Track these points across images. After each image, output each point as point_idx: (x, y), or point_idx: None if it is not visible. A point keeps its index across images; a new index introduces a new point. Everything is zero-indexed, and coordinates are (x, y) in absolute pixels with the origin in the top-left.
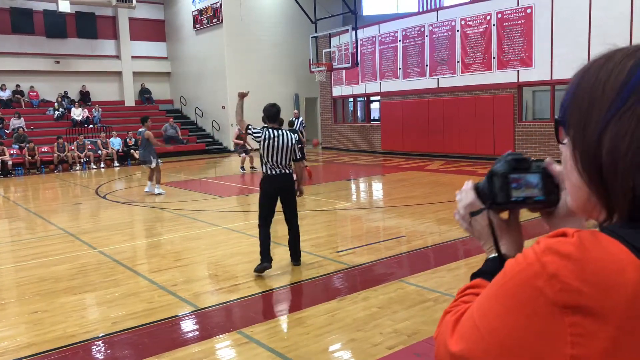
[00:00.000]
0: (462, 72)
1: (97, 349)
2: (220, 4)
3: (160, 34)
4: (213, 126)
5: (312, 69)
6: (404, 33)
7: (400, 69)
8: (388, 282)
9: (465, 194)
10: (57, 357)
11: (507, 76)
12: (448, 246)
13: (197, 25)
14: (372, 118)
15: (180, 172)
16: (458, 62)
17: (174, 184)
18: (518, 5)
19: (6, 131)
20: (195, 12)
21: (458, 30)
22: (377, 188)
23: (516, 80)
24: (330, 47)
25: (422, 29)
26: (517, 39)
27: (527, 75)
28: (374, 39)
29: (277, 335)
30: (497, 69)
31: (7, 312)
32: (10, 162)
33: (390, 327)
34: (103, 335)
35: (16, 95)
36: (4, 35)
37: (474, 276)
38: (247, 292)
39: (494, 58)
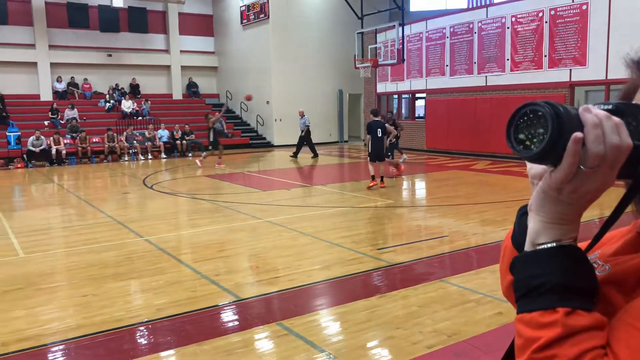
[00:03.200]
0: (511, 71)
1: (141, 333)
2: (268, 0)
3: (208, 29)
4: (257, 121)
5: (357, 65)
6: (451, 29)
7: (447, 66)
8: (429, 281)
9: (622, 134)
10: (104, 339)
11: (558, 75)
12: (492, 247)
13: (244, 21)
14: (416, 115)
15: (225, 165)
16: (507, 59)
17: (219, 177)
18: (573, 1)
19: (61, 121)
20: (243, 8)
21: (508, 27)
22: (420, 186)
23: (568, 80)
24: (376, 43)
25: (471, 26)
26: (571, 36)
27: (580, 74)
28: (420, 35)
29: (316, 329)
30: (549, 68)
31: (58, 294)
32: (64, 151)
33: (430, 327)
34: (147, 321)
35: (71, 87)
36: (61, 29)
37: (544, 297)
38: (287, 284)
39: (545, 56)
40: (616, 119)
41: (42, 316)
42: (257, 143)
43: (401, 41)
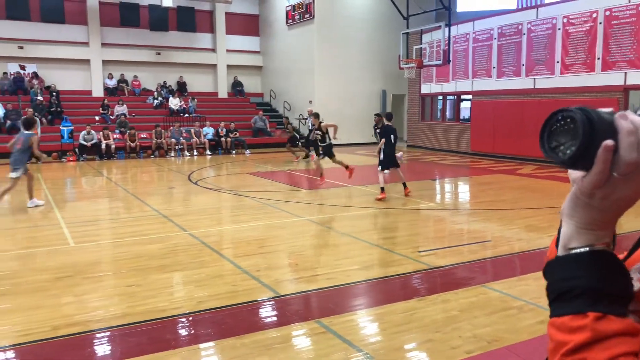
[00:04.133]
0: (561, 73)
1: (183, 325)
2: (313, 0)
3: (254, 29)
4: (299, 120)
5: (402, 66)
6: (500, 30)
7: (494, 67)
8: (470, 286)
9: None
10: (147, 329)
11: (612, 78)
12: (536, 254)
13: (290, 21)
14: (461, 117)
15: (267, 164)
16: (557, 62)
17: (261, 174)
18: (629, 2)
19: (111, 117)
20: (288, 8)
21: (559, 29)
22: (464, 190)
23: (622, 83)
24: (421, 43)
25: (520, 27)
26: (626, 38)
27: (636, 77)
28: (467, 36)
29: (354, 328)
30: (601, 71)
31: (104, 283)
32: (113, 146)
33: (469, 332)
34: (189, 313)
35: (121, 84)
36: (114, 27)
37: (592, 304)
38: (326, 283)
39: (598, 59)
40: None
41: (89, 303)
42: (300, 143)
43: (447, 42)
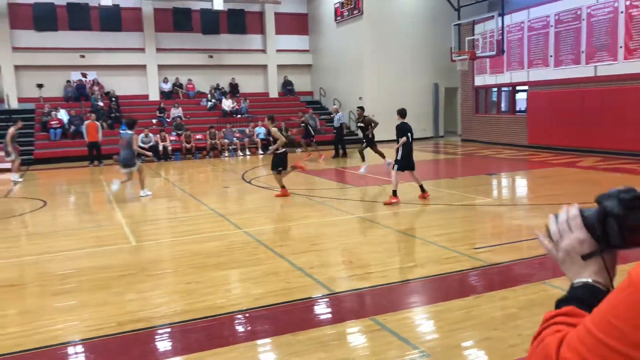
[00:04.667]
0: (624, 59)
1: (240, 321)
2: None
3: (303, 28)
4: (350, 117)
5: (454, 58)
6: (556, 17)
7: (551, 56)
8: (529, 283)
9: (573, 228)
10: (207, 324)
11: None
12: None
13: (338, 18)
14: (517, 109)
15: (318, 161)
16: (620, 47)
17: (313, 172)
18: None
19: (167, 120)
20: (337, 5)
21: (622, 12)
22: (521, 184)
23: None
24: (473, 34)
25: (579, 12)
26: None
27: None
28: (522, 25)
29: (410, 326)
30: None
31: (165, 281)
32: (170, 148)
33: (530, 330)
34: (246, 309)
35: (176, 88)
36: (167, 33)
37: (561, 303)
38: (380, 280)
39: None
40: (558, 224)
41: (151, 300)
42: (351, 139)
43: (501, 31)
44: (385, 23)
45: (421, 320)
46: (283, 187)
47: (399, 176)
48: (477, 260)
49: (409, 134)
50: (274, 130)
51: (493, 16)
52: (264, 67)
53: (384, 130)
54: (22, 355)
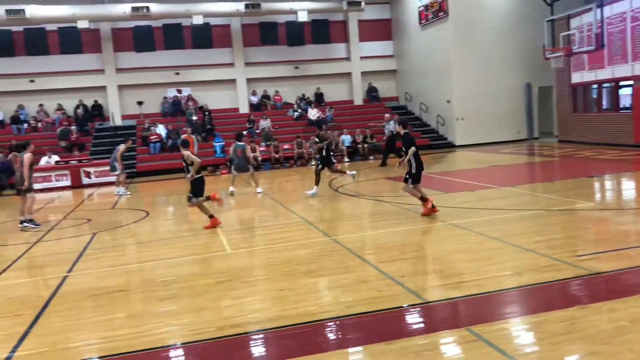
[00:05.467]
0: None
1: (332, 328)
2: None
3: (387, 33)
4: (437, 121)
5: (547, 56)
6: None
7: None
8: None
9: None
10: (299, 331)
11: None
12: None
13: (423, 21)
14: (621, 106)
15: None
16: None
17: (400, 179)
18: None
19: (256, 131)
20: (421, 8)
21: None
22: (628, 187)
23: None
24: (569, 29)
25: None
26: None
27: None
28: (624, 16)
29: (508, 337)
30: None
31: (258, 287)
32: (259, 158)
33: None
34: (337, 317)
35: (264, 99)
36: (255, 47)
37: None
38: (473, 290)
39: None
40: None
41: (246, 306)
42: (438, 144)
43: (600, 24)
44: (472, 23)
45: (520, 331)
46: (211, 216)
47: (416, 188)
48: (580, 269)
49: (413, 147)
50: (186, 153)
51: (591, 8)
52: (348, 75)
53: (470, 134)
54: (133, 356)
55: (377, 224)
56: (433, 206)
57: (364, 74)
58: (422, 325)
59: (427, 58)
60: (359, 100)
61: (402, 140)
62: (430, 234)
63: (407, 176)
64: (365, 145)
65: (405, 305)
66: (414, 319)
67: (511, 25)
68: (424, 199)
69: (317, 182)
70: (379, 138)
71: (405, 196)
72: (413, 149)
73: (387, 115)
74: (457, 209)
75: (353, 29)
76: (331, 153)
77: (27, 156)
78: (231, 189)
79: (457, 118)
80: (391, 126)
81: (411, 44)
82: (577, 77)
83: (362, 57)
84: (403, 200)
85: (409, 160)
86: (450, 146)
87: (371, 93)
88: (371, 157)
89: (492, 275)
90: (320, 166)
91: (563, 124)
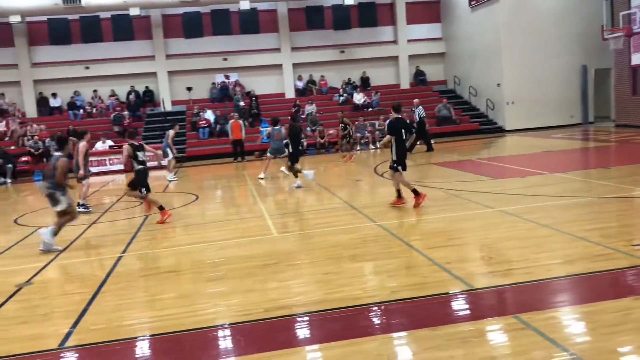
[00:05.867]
0: None
1: (377, 313)
2: None
3: (435, 16)
4: (487, 105)
5: (606, 36)
6: None
7: None
8: None
9: None
10: (344, 315)
11: None
12: None
13: (473, 2)
14: None
15: (453, 153)
16: None
17: (447, 164)
18: None
19: (302, 116)
20: None
21: None
22: None
23: None
24: (629, 8)
25: None
26: None
27: None
28: None
29: (558, 326)
30: None
31: (303, 271)
32: (305, 143)
33: None
34: (382, 302)
35: (309, 84)
36: (301, 32)
37: None
38: (523, 277)
39: None
40: None
41: (292, 289)
42: (487, 128)
43: None
44: (525, 3)
45: (570, 320)
46: (161, 207)
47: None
48: (637, 259)
49: (403, 131)
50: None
51: None
52: (395, 58)
53: (521, 118)
54: (183, 335)
55: (423, 210)
56: (400, 196)
57: (411, 57)
58: (468, 312)
59: (477, 40)
60: (405, 84)
61: (388, 124)
62: (478, 220)
63: (393, 163)
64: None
65: (452, 291)
66: (460, 305)
67: (567, 5)
68: (399, 193)
69: (296, 175)
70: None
71: (452, 181)
72: (388, 137)
73: (415, 100)
74: (506, 195)
75: (400, 12)
76: (300, 148)
77: (82, 145)
78: (261, 175)
79: (508, 102)
80: (421, 111)
81: (460, 26)
82: (637, 59)
83: (409, 40)
84: (450, 186)
85: (391, 148)
86: (500, 131)
87: (418, 77)
88: (418, 142)
89: (542, 263)
90: (290, 163)
91: (621, 107)
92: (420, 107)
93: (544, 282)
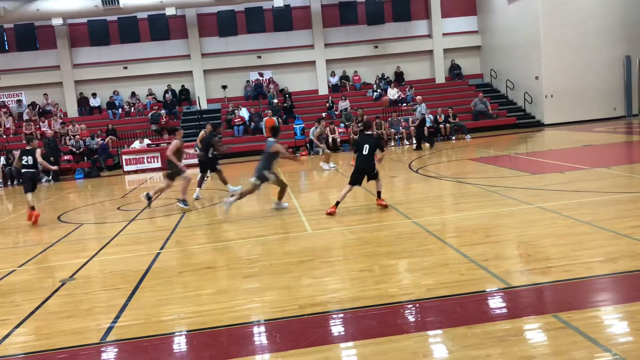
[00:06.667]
0: None
1: (412, 311)
2: None
3: (471, 8)
4: (525, 99)
5: None
6: None
7: None
8: None
9: None
10: (380, 312)
11: None
12: None
13: None
14: None
15: (490, 148)
16: None
17: (483, 160)
18: None
19: (335, 112)
20: None
21: None
22: None
23: None
24: None
25: None
26: None
27: None
28: None
29: (599, 326)
30: None
31: (338, 268)
32: (338, 139)
33: None
34: (417, 299)
35: (343, 80)
36: (334, 28)
37: None
38: (562, 275)
39: None
40: None
41: (327, 285)
42: (525, 123)
43: None
44: None
45: (612, 320)
46: (32, 207)
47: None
48: None
49: (366, 146)
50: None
51: None
52: (430, 52)
53: (560, 112)
54: (220, 331)
55: (459, 206)
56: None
57: (446, 51)
58: (505, 310)
59: (515, 32)
60: (441, 78)
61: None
62: (516, 217)
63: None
64: (447, 124)
65: (489, 289)
66: (497, 303)
67: None
68: (337, 203)
69: (225, 182)
70: (462, 117)
71: (489, 177)
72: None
73: (419, 97)
74: (545, 191)
75: (435, 5)
76: (215, 154)
77: (173, 143)
78: (328, 165)
79: (546, 95)
80: (423, 109)
81: (497, 18)
82: None
83: (444, 34)
84: (487, 182)
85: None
86: (539, 125)
87: (454, 71)
88: (453, 137)
89: (582, 261)
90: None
91: None
92: (423, 104)
93: (584, 281)
